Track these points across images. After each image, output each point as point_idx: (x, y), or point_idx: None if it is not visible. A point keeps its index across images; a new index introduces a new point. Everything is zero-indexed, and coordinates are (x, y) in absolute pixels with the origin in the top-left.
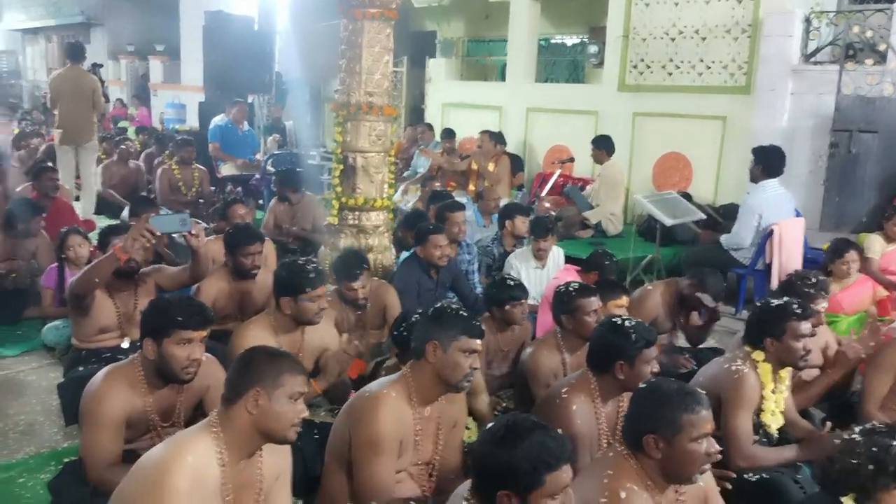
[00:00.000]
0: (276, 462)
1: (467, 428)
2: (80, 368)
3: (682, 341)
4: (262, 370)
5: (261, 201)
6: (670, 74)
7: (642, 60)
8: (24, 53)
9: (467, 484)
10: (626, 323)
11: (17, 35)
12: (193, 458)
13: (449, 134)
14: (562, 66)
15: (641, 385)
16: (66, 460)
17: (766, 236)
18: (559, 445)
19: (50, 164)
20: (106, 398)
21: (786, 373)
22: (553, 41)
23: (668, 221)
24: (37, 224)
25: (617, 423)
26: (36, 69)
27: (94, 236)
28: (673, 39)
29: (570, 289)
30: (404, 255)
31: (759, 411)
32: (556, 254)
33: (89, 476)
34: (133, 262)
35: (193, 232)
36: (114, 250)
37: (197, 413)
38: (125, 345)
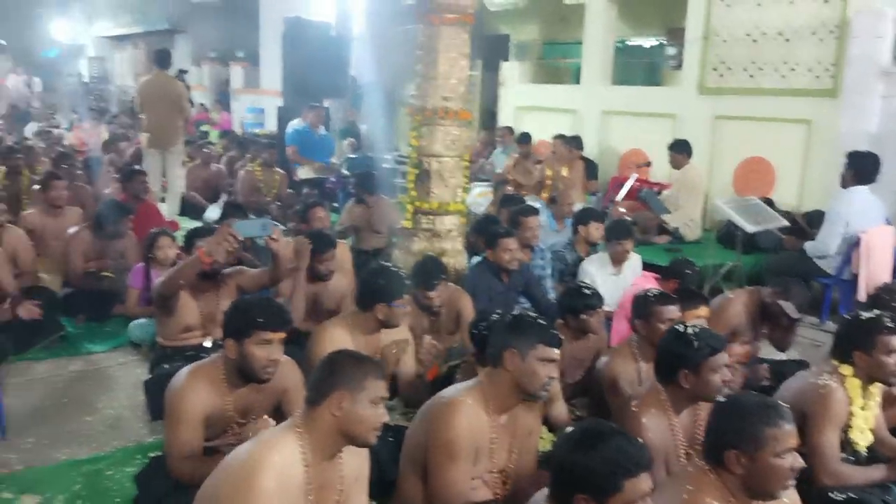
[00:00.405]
0: (356, 464)
1: (541, 437)
2: (165, 366)
3: (764, 352)
4: (347, 373)
5: (335, 204)
6: (752, 77)
7: (723, 62)
8: (113, 59)
9: (544, 492)
10: (689, 330)
11: (107, 42)
12: (279, 458)
13: (525, 139)
14: (638, 68)
15: (721, 398)
16: (151, 455)
17: (853, 245)
18: (639, 452)
19: (138, 167)
20: (188, 396)
21: (875, 388)
22: (629, 43)
23: (750, 228)
24: (125, 225)
25: (695, 434)
26: (123, 74)
27: (178, 236)
28: (755, 41)
29: (650, 295)
30: (476, 260)
31: (846, 428)
32: (634, 260)
33: (171, 470)
34: (216, 265)
35: (274, 236)
36: (198, 253)
37: (274, 413)
38: (208, 343)
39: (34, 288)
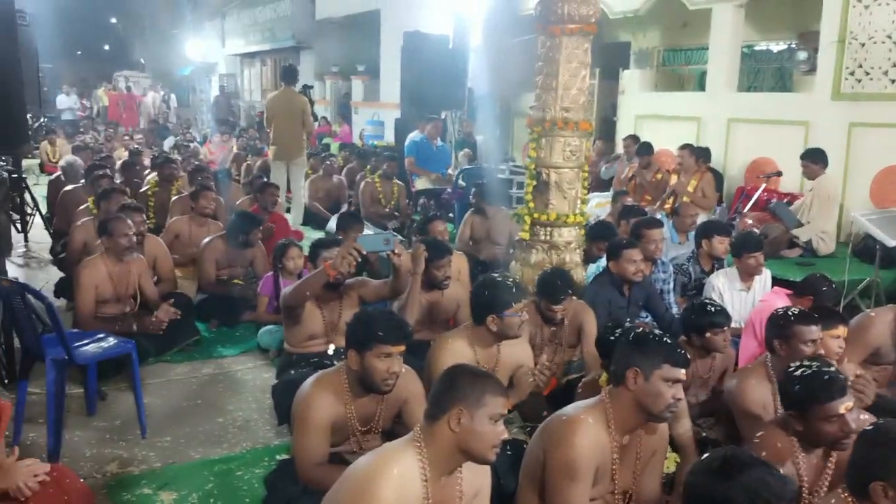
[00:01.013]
0: (476, 480)
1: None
2: (291, 371)
3: None
4: (466, 389)
5: (451, 214)
6: (893, 81)
7: (860, 66)
8: (242, 76)
9: None
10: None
11: (237, 59)
12: (399, 471)
13: (646, 150)
14: (767, 73)
15: (867, 427)
16: (278, 457)
17: None
18: (781, 484)
19: (269, 180)
20: (314, 404)
21: None
22: (757, 48)
23: (892, 242)
24: (254, 235)
25: (823, 472)
26: (252, 90)
27: (303, 245)
28: None
29: (789, 313)
30: (591, 267)
31: None
32: (763, 275)
33: (299, 475)
34: (340, 276)
35: (396, 251)
36: (324, 266)
37: (394, 423)
38: (331, 351)
39: (172, 294)
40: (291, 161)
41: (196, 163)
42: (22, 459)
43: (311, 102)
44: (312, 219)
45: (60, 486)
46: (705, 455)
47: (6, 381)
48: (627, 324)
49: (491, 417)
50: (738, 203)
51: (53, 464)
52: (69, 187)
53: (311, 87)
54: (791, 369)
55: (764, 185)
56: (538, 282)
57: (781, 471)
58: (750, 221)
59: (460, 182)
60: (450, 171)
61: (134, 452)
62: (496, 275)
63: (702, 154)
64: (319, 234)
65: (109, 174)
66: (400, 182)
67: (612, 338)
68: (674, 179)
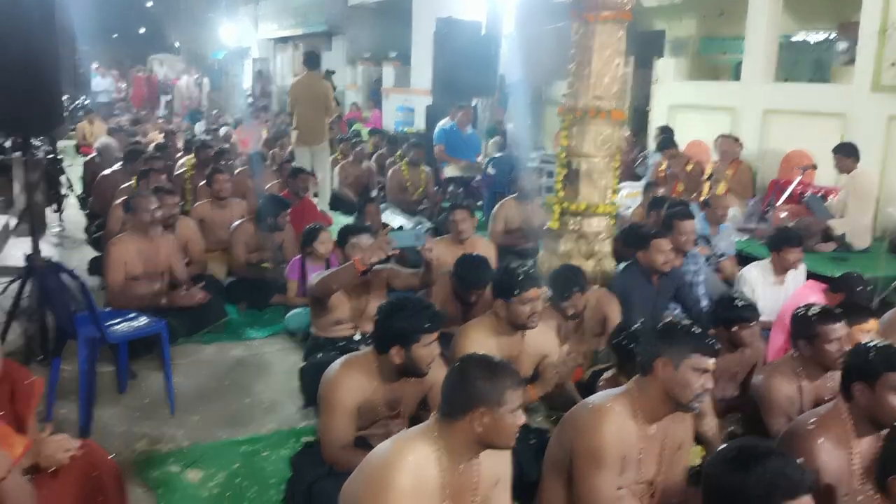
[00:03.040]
0: (495, 467)
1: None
2: (319, 355)
3: None
4: (485, 390)
5: (480, 203)
6: None
7: None
8: (275, 60)
9: None
10: (867, 343)
11: (270, 44)
12: (414, 459)
13: (668, 142)
14: (804, 64)
15: None
16: (304, 439)
17: None
18: (798, 474)
19: (303, 167)
20: (341, 386)
21: None
22: (794, 38)
23: None
24: (283, 219)
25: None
26: (284, 75)
27: (331, 231)
28: None
29: (811, 313)
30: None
31: None
32: (799, 269)
33: (324, 455)
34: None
35: (427, 246)
36: (354, 262)
37: (419, 407)
38: (357, 337)
39: (202, 276)
40: (314, 146)
41: (221, 147)
42: (54, 435)
43: (334, 88)
44: (341, 204)
45: (90, 462)
46: (722, 446)
47: (40, 358)
48: (639, 324)
49: (511, 411)
50: (772, 196)
51: (84, 439)
52: (107, 172)
53: (334, 72)
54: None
55: (798, 178)
56: (549, 277)
57: (836, 455)
58: (783, 215)
59: (490, 170)
60: (479, 158)
61: (162, 431)
62: (514, 263)
63: (738, 144)
64: (348, 220)
65: (160, 168)
66: (428, 169)
67: (616, 342)
68: (708, 170)
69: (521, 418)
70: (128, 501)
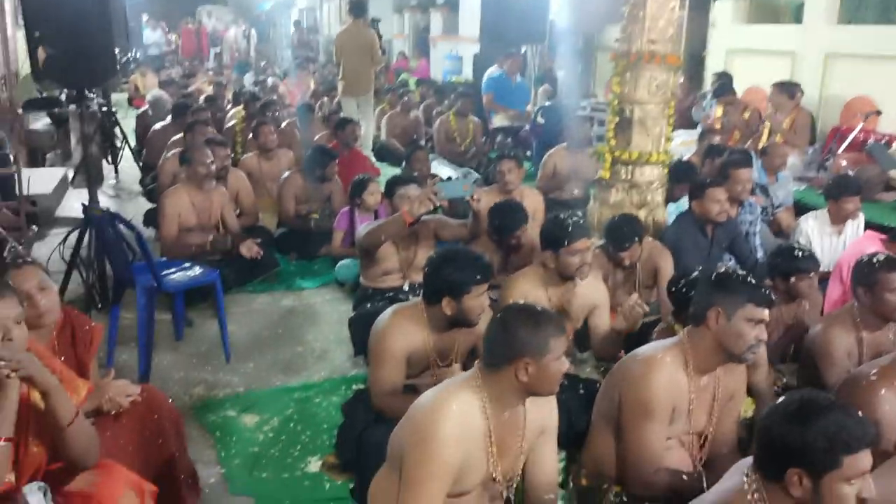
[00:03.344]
0: (541, 416)
1: None
2: (367, 305)
3: None
4: (528, 341)
5: (528, 153)
6: None
7: None
8: (322, 10)
9: (748, 461)
10: None
11: None
12: (458, 407)
13: (723, 89)
14: (869, 5)
15: None
16: (354, 387)
17: None
18: (860, 427)
19: (351, 118)
20: (390, 335)
21: None
22: None
23: None
24: (332, 170)
25: None
26: (331, 24)
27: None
28: None
29: (874, 260)
30: (671, 206)
31: None
32: (857, 219)
33: (373, 403)
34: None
35: (475, 196)
36: (402, 213)
37: (470, 356)
38: (406, 287)
39: (254, 228)
40: (360, 96)
41: (267, 99)
42: (115, 380)
43: (380, 37)
44: (389, 155)
45: (150, 406)
46: (780, 399)
47: (99, 307)
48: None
49: (555, 359)
50: (833, 143)
51: (144, 385)
52: (157, 126)
53: (379, 20)
54: None
55: (861, 125)
56: (606, 227)
57: None
58: (844, 163)
59: (539, 119)
60: (528, 107)
61: (219, 377)
62: (564, 213)
63: (794, 90)
64: (396, 171)
65: (206, 119)
66: (476, 119)
67: (675, 290)
68: (767, 120)
69: (565, 365)
70: (186, 443)
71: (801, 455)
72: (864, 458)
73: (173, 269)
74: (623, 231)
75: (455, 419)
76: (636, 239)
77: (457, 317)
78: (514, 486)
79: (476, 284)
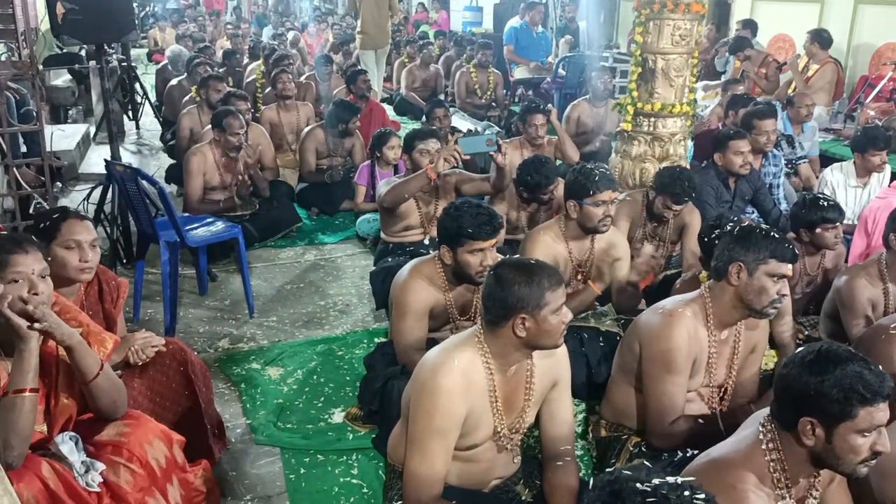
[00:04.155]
0: (550, 369)
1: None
2: (388, 259)
3: None
4: (524, 295)
5: (550, 105)
6: None
7: None
8: None
9: (765, 411)
10: None
11: None
12: (460, 363)
13: (741, 43)
14: None
15: None
16: (376, 340)
17: None
18: (878, 379)
19: (360, 67)
20: (411, 290)
21: None
22: None
23: None
24: (353, 124)
25: None
26: None
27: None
28: None
29: None
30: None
31: None
32: (883, 171)
33: (399, 357)
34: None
35: (502, 150)
36: (426, 170)
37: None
38: (427, 241)
39: (275, 182)
40: (378, 49)
41: (281, 52)
42: (139, 331)
43: None
44: (409, 108)
45: (177, 358)
46: (800, 349)
47: (125, 261)
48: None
49: (554, 312)
50: (861, 93)
51: (169, 338)
52: (174, 81)
53: None
54: None
55: (890, 74)
56: (660, 177)
57: None
58: (872, 113)
59: (560, 71)
60: (550, 59)
61: (243, 330)
62: (590, 164)
63: (823, 41)
64: (415, 125)
65: (209, 62)
66: (497, 71)
67: (713, 236)
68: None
69: (567, 316)
70: (213, 394)
71: (815, 403)
72: (880, 411)
73: (195, 225)
74: (685, 186)
75: (457, 373)
76: (693, 195)
77: (454, 269)
78: (519, 438)
79: (469, 239)
